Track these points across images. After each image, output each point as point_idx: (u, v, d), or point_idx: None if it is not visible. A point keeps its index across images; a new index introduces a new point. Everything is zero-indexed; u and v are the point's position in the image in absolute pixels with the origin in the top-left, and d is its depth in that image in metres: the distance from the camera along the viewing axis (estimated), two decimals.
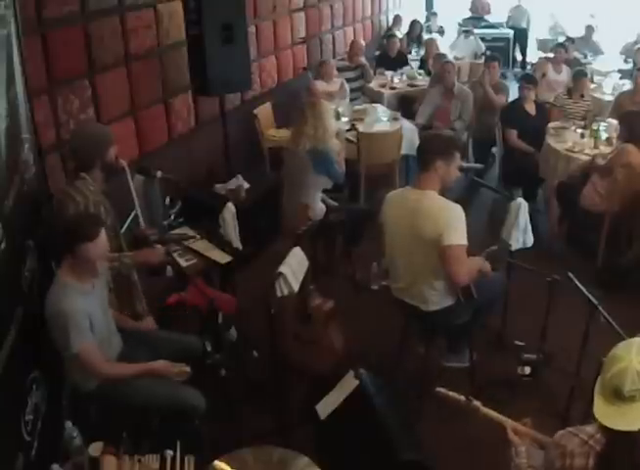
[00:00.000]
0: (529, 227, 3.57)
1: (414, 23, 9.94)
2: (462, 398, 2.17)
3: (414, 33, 9.81)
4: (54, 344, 2.58)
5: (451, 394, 2.19)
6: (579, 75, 6.16)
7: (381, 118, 5.91)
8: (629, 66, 8.13)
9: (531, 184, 5.62)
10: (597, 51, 9.40)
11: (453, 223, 2.97)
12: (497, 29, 11.04)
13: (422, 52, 8.66)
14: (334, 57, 8.02)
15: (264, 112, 6.37)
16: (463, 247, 3.00)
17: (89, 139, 3.07)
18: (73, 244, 2.51)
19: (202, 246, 3.56)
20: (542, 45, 10.39)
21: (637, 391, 1.62)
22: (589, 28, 9.75)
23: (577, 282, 3.01)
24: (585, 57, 8.85)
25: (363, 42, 7.57)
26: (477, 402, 2.15)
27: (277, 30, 6.93)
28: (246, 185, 5.15)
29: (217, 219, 3.62)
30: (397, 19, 10.11)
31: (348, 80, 6.77)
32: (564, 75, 7.12)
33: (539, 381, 3.42)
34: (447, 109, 6.26)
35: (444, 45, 9.04)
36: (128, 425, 2.65)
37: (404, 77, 7.62)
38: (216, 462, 2.30)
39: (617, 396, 1.64)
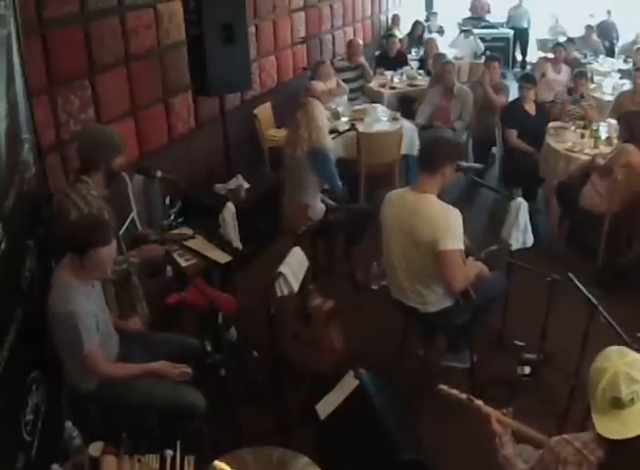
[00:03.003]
0: (529, 227, 3.57)
1: (416, 23, 9.94)
2: (463, 396, 2.18)
3: (416, 34, 9.81)
4: (56, 345, 2.58)
5: (453, 391, 2.21)
6: (578, 76, 6.18)
7: (381, 118, 5.91)
8: (629, 65, 8.13)
9: (531, 184, 5.62)
10: (597, 51, 9.40)
11: (451, 228, 2.97)
12: (497, 29, 11.06)
13: (422, 52, 8.67)
14: (334, 57, 8.03)
15: (264, 112, 6.37)
16: (459, 252, 3.01)
17: (101, 141, 3.04)
18: (87, 248, 2.46)
19: (201, 246, 3.56)
20: (542, 45, 10.40)
21: (635, 392, 1.61)
22: (589, 28, 9.76)
23: (577, 282, 3.01)
24: (585, 57, 8.85)
25: (361, 41, 7.55)
26: (478, 401, 2.16)
27: (277, 30, 6.93)
28: (246, 185, 5.15)
29: (217, 219, 3.61)
30: (396, 18, 10.13)
31: (348, 80, 6.77)
32: (563, 75, 7.13)
33: (539, 381, 3.41)
34: (447, 109, 6.26)
35: (444, 45, 9.05)
36: (128, 425, 2.64)
37: (404, 77, 7.62)
38: (216, 462, 2.29)
39: (617, 404, 1.62)
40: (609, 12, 10.27)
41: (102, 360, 2.59)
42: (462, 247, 3.01)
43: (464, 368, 3.49)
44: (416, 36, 9.78)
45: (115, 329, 2.86)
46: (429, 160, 3.10)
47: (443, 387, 2.24)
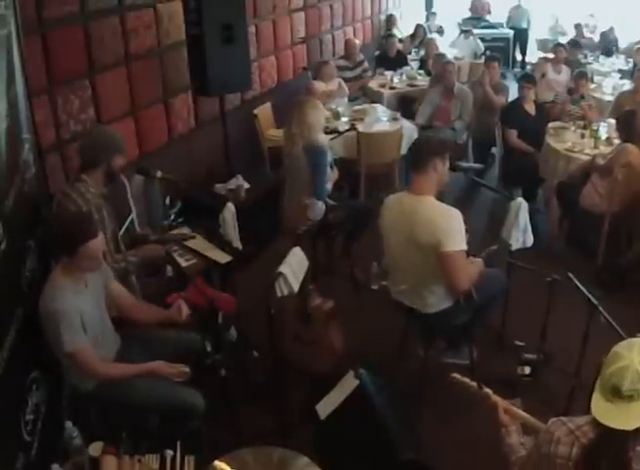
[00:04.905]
0: (529, 227, 3.56)
1: (418, 27, 9.93)
2: (474, 384, 2.22)
3: (417, 37, 9.77)
4: (49, 343, 2.57)
5: (465, 379, 2.26)
6: (578, 76, 6.19)
7: (381, 118, 5.91)
8: (630, 66, 8.13)
9: (531, 184, 5.62)
10: (592, 49, 9.40)
11: (453, 229, 2.96)
12: (497, 29, 11.05)
13: (422, 52, 8.66)
14: (333, 57, 8.03)
15: (264, 112, 6.37)
16: (462, 252, 3.01)
17: (103, 138, 3.09)
18: (76, 245, 2.49)
19: (201, 246, 3.56)
20: (542, 45, 10.41)
21: (635, 390, 1.62)
22: (578, 27, 9.79)
23: (577, 282, 3.01)
24: (585, 57, 8.85)
25: (358, 41, 7.67)
26: (487, 390, 2.19)
27: (277, 30, 6.93)
28: (246, 185, 5.16)
29: (217, 219, 3.61)
30: (393, 18, 10.13)
31: (348, 80, 6.77)
32: (563, 75, 7.13)
33: (539, 381, 3.42)
34: (447, 109, 6.26)
35: (444, 45, 9.05)
36: (128, 425, 2.64)
37: (404, 77, 7.62)
38: (216, 462, 2.29)
39: (616, 394, 1.64)
40: (612, 28, 10.27)
41: (94, 360, 2.58)
42: (465, 247, 3.00)
43: (464, 367, 3.48)
44: (418, 38, 9.76)
45: (116, 328, 2.86)
46: (415, 159, 3.12)
47: (456, 375, 2.29)
